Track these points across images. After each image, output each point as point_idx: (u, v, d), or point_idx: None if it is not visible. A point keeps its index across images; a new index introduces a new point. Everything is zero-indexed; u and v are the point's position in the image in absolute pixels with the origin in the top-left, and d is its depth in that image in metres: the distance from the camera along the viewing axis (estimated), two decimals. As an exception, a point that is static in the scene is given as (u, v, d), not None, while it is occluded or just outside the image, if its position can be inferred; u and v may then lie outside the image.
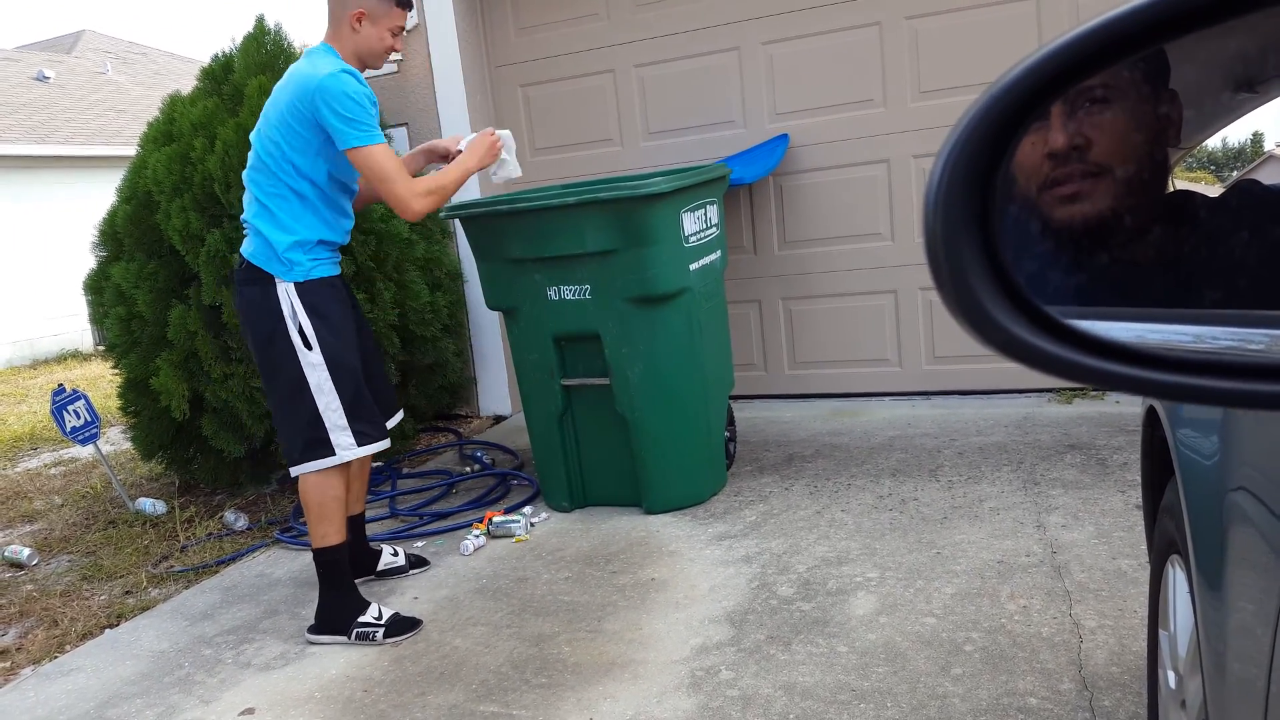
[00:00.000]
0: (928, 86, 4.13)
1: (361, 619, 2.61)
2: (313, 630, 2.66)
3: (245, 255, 2.63)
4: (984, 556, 2.65)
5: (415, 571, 3.05)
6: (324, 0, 2.64)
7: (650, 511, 3.30)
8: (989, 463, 3.40)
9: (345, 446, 2.60)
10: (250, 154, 2.64)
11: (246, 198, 2.65)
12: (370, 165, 2.52)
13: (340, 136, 2.49)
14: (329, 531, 2.63)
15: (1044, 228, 0.62)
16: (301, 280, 2.57)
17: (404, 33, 2.72)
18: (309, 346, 2.56)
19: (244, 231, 2.67)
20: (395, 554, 3.07)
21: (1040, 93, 0.53)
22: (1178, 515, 1.26)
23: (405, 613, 2.72)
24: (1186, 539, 1.16)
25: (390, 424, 2.85)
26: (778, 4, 4.30)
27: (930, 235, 0.53)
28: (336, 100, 2.46)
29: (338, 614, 2.63)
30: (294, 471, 2.65)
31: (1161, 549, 1.49)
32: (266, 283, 2.57)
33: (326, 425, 2.58)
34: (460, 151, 2.82)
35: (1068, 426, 3.67)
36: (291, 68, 2.62)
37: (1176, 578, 1.37)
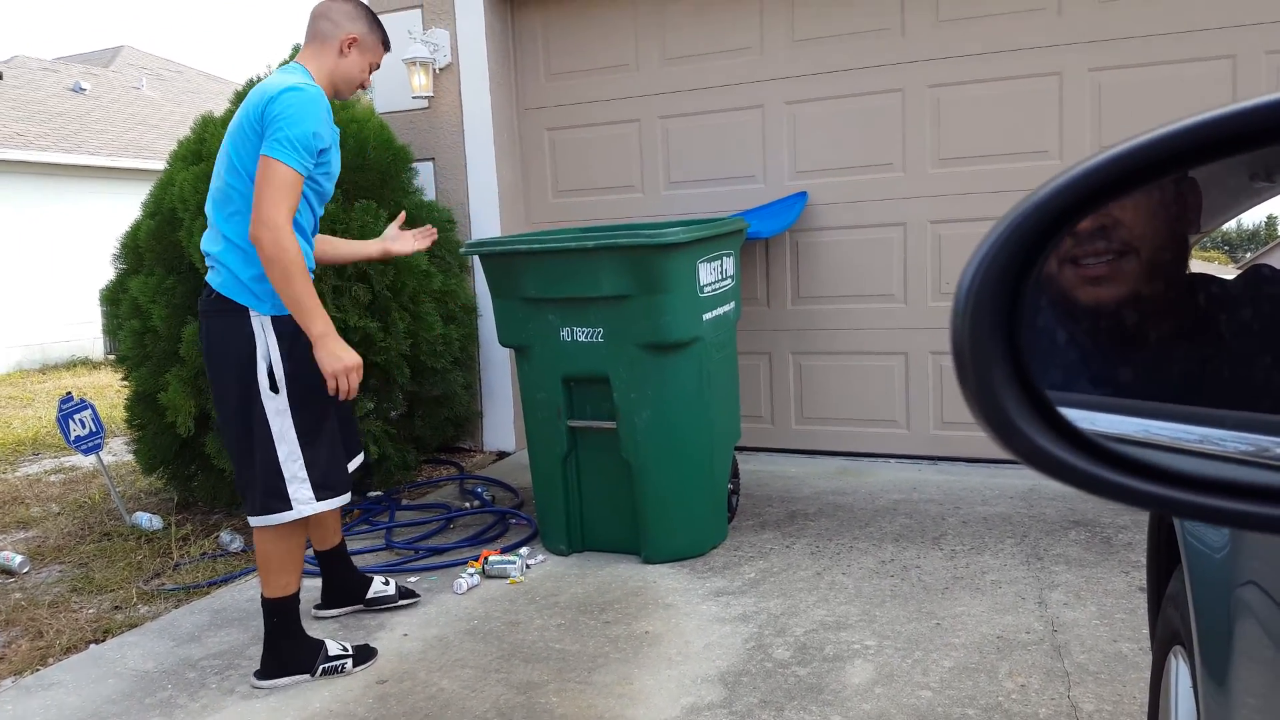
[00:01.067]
0: (947, 154, 4.17)
1: (328, 653, 2.55)
2: (262, 674, 2.52)
3: (214, 285, 2.45)
4: (984, 630, 2.61)
5: (405, 602, 3.00)
6: (315, 22, 2.58)
7: (648, 561, 3.27)
8: (993, 534, 3.37)
9: (304, 500, 2.44)
10: (212, 183, 2.49)
11: (209, 231, 2.49)
12: (268, 175, 2.28)
13: (267, 141, 2.29)
14: (291, 580, 2.52)
15: (1065, 308, 0.62)
16: (277, 314, 2.40)
17: (376, 70, 2.70)
18: (275, 389, 2.39)
19: (208, 264, 2.50)
20: (386, 583, 3.02)
21: (1075, 208, 0.54)
22: (1183, 606, 1.24)
23: (394, 649, 2.69)
24: (1191, 631, 1.15)
25: (350, 466, 2.71)
26: (803, 66, 4.36)
27: (958, 340, 0.53)
28: (286, 107, 2.31)
29: (295, 657, 2.54)
30: (253, 523, 2.49)
31: (1164, 639, 1.47)
32: (238, 314, 2.40)
33: (285, 476, 2.42)
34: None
35: (1073, 501, 3.64)
36: (258, 84, 2.46)
37: (1179, 669, 1.35)
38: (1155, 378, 0.65)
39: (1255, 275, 0.98)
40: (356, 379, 2.40)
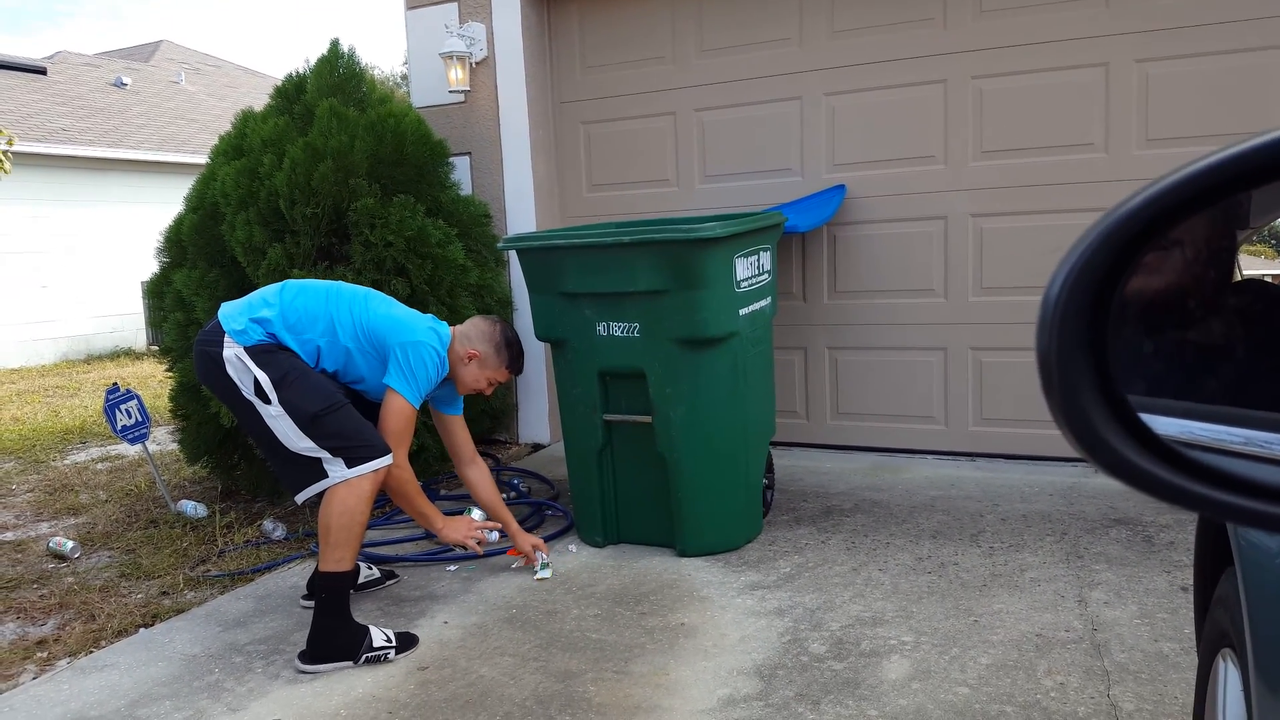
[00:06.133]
0: (990, 147, 4.13)
1: (372, 643, 2.61)
2: (307, 658, 2.59)
3: (220, 313, 2.71)
4: (1022, 628, 2.60)
5: (390, 582, 3.20)
6: (466, 325, 3.06)
7: (683, 554, 3.28)
8: (1032, 531, 3.34)
9: (337, 471, 2.60)
10: (334, 289, 2.81)
11: (275, 291, 2.77)
12: (395, 415, 2.74)
13: (395, 377, 2.75)
14: (345, 556, 2.60)
15: (1150, 319, 0.62)
16: (248, 345, 2.64)
17: (497, 384, 3.09)
18: (266, 400, 2.59)
19: (224, 313, 2.74)
20: (370, 569, 3.19)
21: (1162, 219, 0.54)
22: (1234, 609, 1.23)
23: (435, 637, 2.73)
24: (1244, 635, 1.13)
25: None
26: (842, 57, 4.34)
27: (1044, 352, 0.54)
28: (415, 356, 2.75)
29: (339, 642, 2.60)
30: (300, 498, 2.66)
31: (1212, 640, 1.45)
32: (218, 344, 2.64)
33: (314, 457, 2.60)
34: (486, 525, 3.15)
35: (1114, 499, 3.60)
36: (424, 317, 2.90)
37: (1228, 672, 1.33)
38: (1246, 385, 0.65)
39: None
40: (478, 535, 3.04)
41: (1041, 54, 3.98)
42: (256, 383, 2.59)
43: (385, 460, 2.66)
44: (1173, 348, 0.63)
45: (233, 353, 2.62)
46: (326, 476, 2.61)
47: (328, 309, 2.77)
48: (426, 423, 4.28)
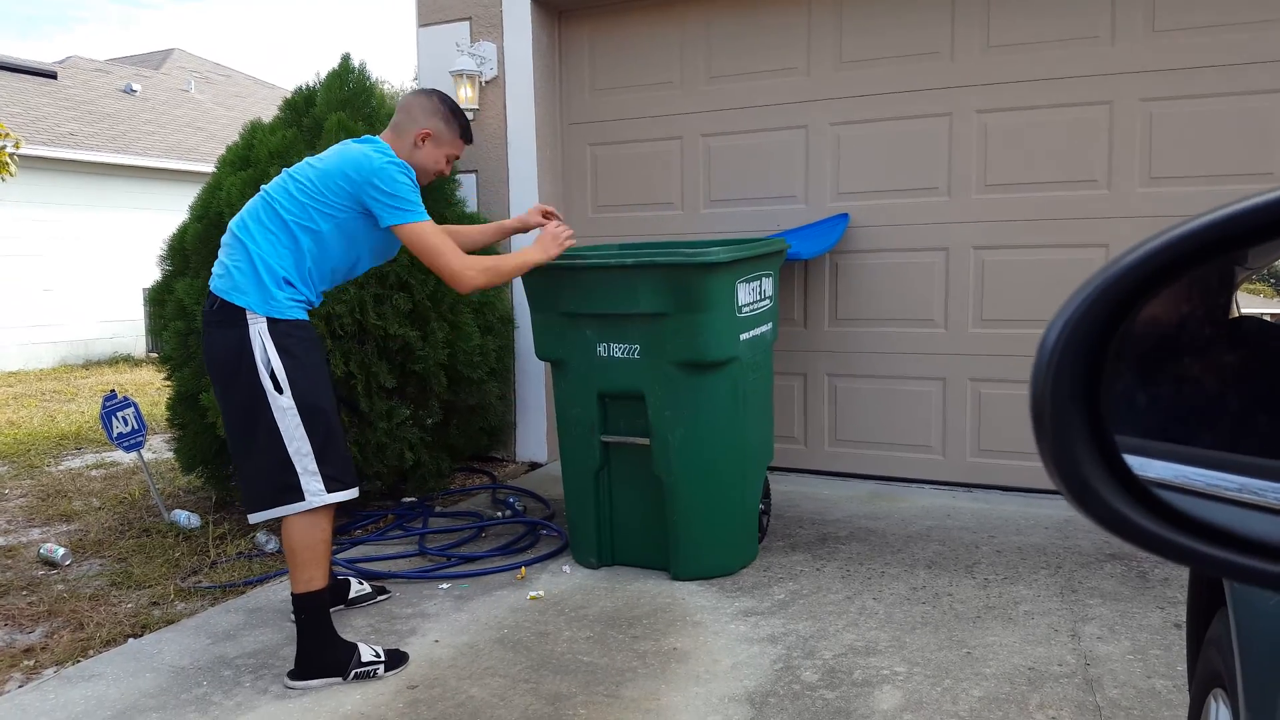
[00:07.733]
0: (993, 180, 4.15)
1: (360, 659, 2.59)
2: (296, 675, 2.58)
3: (218, 292, 2.55)
4: (1015, 661, 2.59)
5: (381, 598, 3.19)
6: (397, 114, 2.79)
7: (677, 578, 3.27)
8: (1027, 564, 3.33)
9: (315, 492, 2.53)
10: (258, 198, 2.63)
11: (230, 240, 2.61)
12: (421, 241, 2.61)
13: (390, 214, 2.58)
14: (315, 576, 2.57)
15: (1146, 370, 0.62)
16: (276, 318, 2.52)
17: (456, 160, 2.90)
18: (279, 390, 2.50)
19: (217, 270, 2.60)
20: (361, 584, 3.18)
21: (1161, 274, 0.55)
22: (1226, 650, 1.23)
23: (425, 655, 2.72)
24: (1236, 677, 1.13)
25: None
26: (849, 88, 4.37)
27: (1038, 399, 0.54)
28: (387, 182, 2.56)
29: (327, 658, 2.58)
30: (255, 518, 2.59)
31: (1204, 680, 1.45)
32: (239, 324, 2.51)
33: (297, 470, 2.52)
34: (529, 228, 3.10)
35: (1108, 534, 3.58)
36: (345, 145, 2.68)
37: (1219, 712, 1.33)
38: (1242, 431, 0.65)
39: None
40: (565, 239, 3.00)
41: (1047, 90, 4.01)
42: (273, 371, 2.49)
43: (351, 494, 2.62)
44: (1169, 395, 0.63)
45: (257, 330, 2.50)
46: (301, 500, 2.52)
47: (287, 229, 2.57)
48: (424, 438, 4.28)
